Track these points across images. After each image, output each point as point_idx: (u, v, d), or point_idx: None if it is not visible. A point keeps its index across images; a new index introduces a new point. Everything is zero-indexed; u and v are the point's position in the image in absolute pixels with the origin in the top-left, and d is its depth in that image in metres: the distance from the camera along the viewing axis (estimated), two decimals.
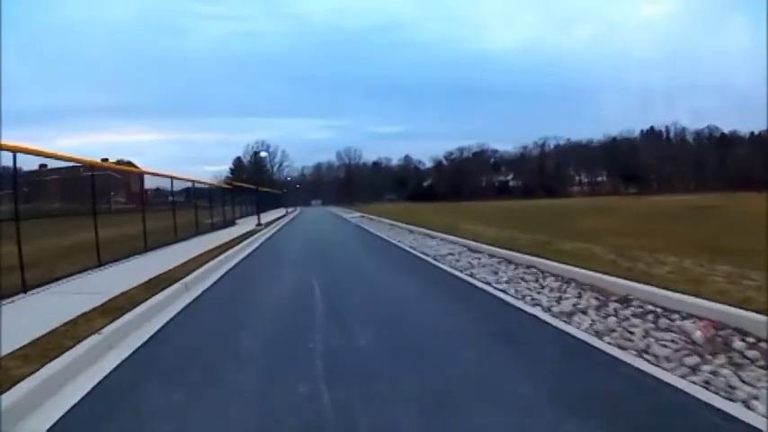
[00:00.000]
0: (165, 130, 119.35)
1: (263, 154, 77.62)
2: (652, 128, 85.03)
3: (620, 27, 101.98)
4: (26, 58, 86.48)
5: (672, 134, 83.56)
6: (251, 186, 33.76)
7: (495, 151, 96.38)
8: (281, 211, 42.60)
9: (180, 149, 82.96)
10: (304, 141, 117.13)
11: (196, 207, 16.50)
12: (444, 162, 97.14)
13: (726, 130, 76.99)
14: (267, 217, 26.84)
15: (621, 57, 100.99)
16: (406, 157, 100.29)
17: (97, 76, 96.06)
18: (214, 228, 16.97)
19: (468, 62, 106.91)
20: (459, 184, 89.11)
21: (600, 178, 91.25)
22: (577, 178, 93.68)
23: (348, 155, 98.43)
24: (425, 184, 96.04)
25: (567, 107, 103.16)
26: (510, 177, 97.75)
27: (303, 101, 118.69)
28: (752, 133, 73.74)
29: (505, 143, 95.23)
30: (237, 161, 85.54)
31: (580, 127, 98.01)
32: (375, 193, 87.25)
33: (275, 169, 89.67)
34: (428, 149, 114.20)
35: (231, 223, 20.13)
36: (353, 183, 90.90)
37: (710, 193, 49.27)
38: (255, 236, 14.60)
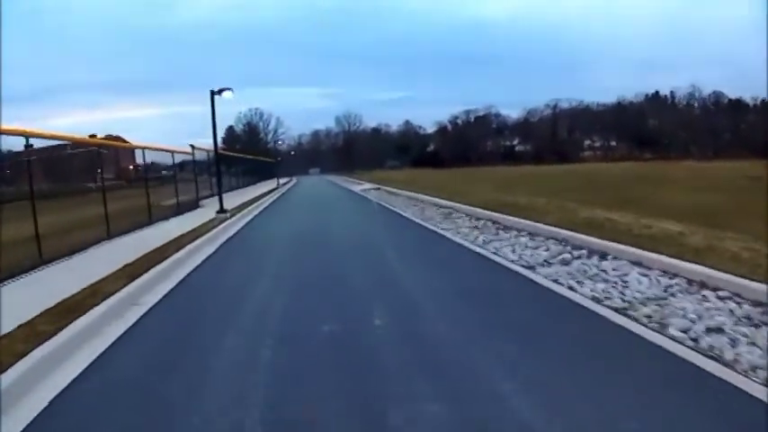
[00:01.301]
0: (158, 105, 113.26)
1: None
2: (657, 92, 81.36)
3: None
4: (12, 37, 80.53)
5: (676, 99, 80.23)
6: (230, 154, 28.78)
7: (498, 115, 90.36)
8: (271, 183, 35.64)
9: (174, 123, 78.15)
10: (301, 111, 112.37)
11: (147, 185, 11.68)
12: (449, 126, 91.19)
13: (731, 97, 73.06)
14: (246, 194, 21.21)
15: (621, 23, 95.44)
16: (407, 123, 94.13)
17: (87, 54, 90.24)
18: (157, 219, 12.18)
19: (467, 28, 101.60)
20: (465, 149, 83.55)
21: (612, 143, 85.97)
22: (587, 143, 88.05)
23: (348, 120, 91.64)
24: (429, 149, 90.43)
25: (567, 73, 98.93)
26: (516, 142, 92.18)
27: (299, 70, 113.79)
28: (757, 100, 68.88)
29: (507, 108, 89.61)
30: (230, 130, 79.89)
31: (581, 93, 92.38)
32: (376, 159, 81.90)
33: (270, 137, 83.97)
34: (428, 116, 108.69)
35: (193, 206, 15.17)
36: (353, 150, 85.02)
37: (734, 160, 44.62)
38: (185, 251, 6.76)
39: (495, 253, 6.45)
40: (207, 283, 5.44)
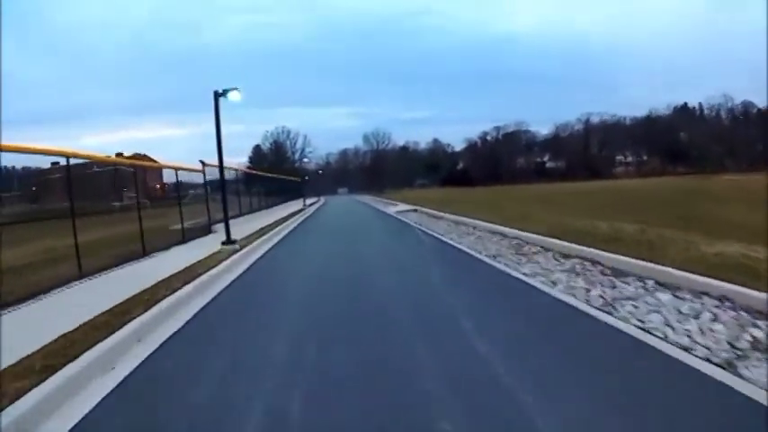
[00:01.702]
0: (186, 125, 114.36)
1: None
2: (686, 104, 78.24)
3: (643, 4, 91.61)
4: (47, 60, 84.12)
5: (705, 111, 76.87)
6: (252, 171, 26.78)
7: (528, 131, 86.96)
8: (297, 204, 33.46)
9: (201, 143, 79.16)
10: (329, 129, 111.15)
11: (138, 207, 9.44)
12: (479, 143, 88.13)
13: (761, 106, 68.24)
14: (267, 217, 19.08)
15: (648, 34, 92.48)
16: (435, 141, 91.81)
17: (118, 75, 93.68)
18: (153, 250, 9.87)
19: (492, 46, 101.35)
20: (495, 166, 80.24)
21: (643, 157, 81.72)
22: (619, 158, 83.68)
23: (376, 138, 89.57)
24: (458, 167, 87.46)
25: (595, 87, 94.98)
26: (546, 158, 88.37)
27: (326, 90, 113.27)
28: None
29: (537, 124, 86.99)
30: (257, 149, 79.32)
31: (610, 107, 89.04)
32: (404, 178, 79.56)
33: (297, 156, 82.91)
34: (456, 133, 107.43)
35: (204, 231, 12.87)
36: (382, 168, 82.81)
37: None
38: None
39: (643, 328, 3.73)
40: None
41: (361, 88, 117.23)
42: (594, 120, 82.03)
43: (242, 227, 14.36)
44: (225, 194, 9.65)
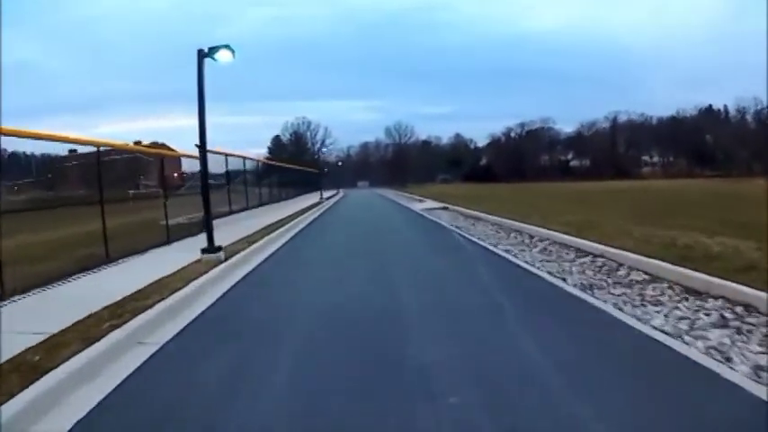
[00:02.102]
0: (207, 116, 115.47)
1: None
2: (710, 106, 74.52)
3: (668, 2, 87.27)
4: (68, 50, 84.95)
5: (730, 113, 72.69)
6: (270, 162, 24.57)
7: (551, 129, 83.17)
8: (312, 198, 30.42)
9: (221, 134, 78.46)
10: (348, 122, 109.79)
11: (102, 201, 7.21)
12: (502, 138, 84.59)
13: None
14: (276, 212, 16.32)
15: (672, 34, 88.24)
16: (457, 136, 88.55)
17: (138, 65, 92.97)
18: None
19: (518, 41, 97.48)
20: (519, 163, 76.79)
21: (669, 158, 77.67)
22: (645, 158, 79.58)
23: (399, 131, 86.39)
24: (481, 163, 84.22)
25: (620, 86, 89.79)
26: (570, 156, 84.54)
27: (345, 83, 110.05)
28: None
29: (561, 122, 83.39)
30: (276, 140, 77.58)
31: (634, 107, 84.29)
32: (426, 173, 76.80)
33: (317, 147, 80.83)
34: (478, 129, 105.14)
35: (196, 230, 10.49)
36: (403, 162, 79.96)
37: None
38: None
39: None
40: None
41: (380, 83, 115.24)
42: (621, 118, 78.24)
43: (242, 224, 12.11)
44: (206, 186, 7.29)
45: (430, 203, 20.91)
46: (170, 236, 9.45)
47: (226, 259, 6.69)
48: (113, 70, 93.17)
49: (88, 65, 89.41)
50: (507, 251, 7.60)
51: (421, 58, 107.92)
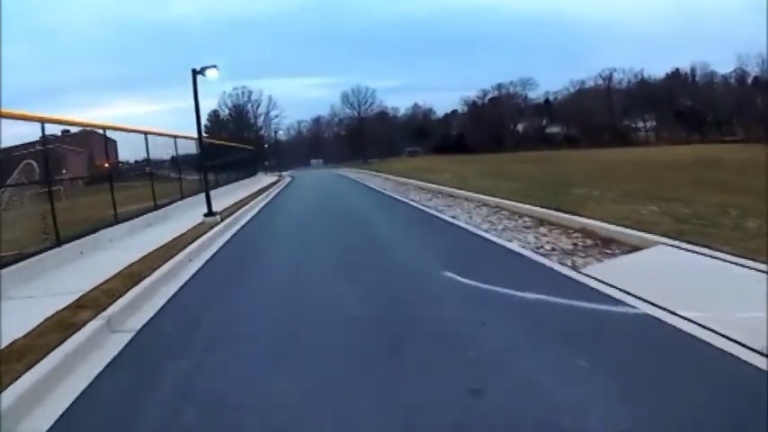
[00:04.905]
0: (158, 101, 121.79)
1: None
2: (677, 69, 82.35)
3: None
4: (17, 37, 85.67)
5: (697, 77, 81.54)
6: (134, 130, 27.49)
7: (526, 97, 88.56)
8: (243, 190, 24.58)
9: (174, 119, 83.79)
10: (300, 101, 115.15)
11: None
12: (478, 102, 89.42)
13: (753, 73, 73.61)
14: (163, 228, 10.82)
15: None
16: (416, 106, 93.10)
17: (87, 51, 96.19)
18: None
19: (469, 12, 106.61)
20: (495, 131, 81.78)
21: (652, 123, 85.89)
22: (632, 124, 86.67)
23: (357, 97, 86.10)
24: (453, 133, 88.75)
25: (570, 54, 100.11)
26: (545, 122, 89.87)
27: (296, 59, 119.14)
28: None
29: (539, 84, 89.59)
30: (214, 116, 79.48)
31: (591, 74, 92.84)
32: (388, 147, 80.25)
33: (261, 121, 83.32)
34: (436, 101, 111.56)
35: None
36: (363, 135, 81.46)
37: None
38: None
39: None
40: None
41: (332, 57, 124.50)
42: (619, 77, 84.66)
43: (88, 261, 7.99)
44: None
45: (431, 195, 15.06)
46: None
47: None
48: (64, 58, 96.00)
49: (38, 53, 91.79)
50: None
51: (372, 29, 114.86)
